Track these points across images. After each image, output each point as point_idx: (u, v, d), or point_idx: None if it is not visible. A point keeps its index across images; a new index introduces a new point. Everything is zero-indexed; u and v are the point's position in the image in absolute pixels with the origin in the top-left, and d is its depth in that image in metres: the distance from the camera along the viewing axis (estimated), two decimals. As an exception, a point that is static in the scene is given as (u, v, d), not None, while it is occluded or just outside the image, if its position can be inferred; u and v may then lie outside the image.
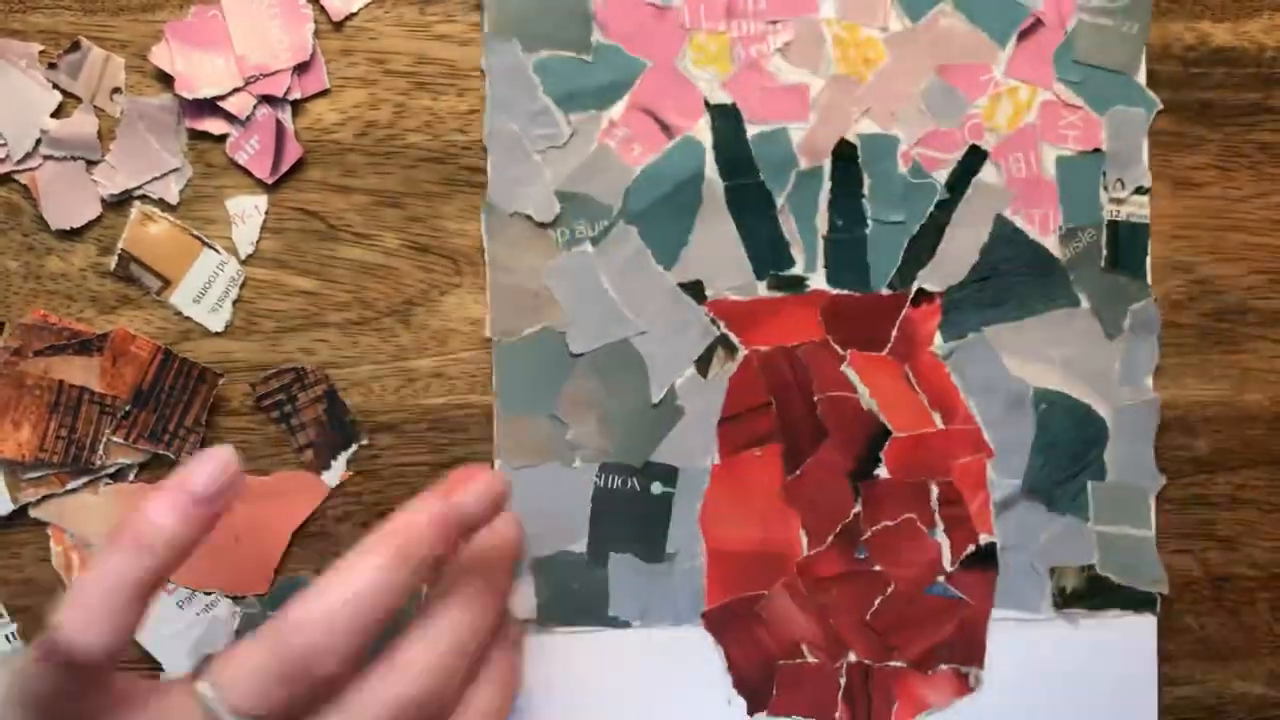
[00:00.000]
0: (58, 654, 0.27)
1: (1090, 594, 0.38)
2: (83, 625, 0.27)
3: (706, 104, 0.37)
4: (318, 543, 0.38)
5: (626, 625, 0.38)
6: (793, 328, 0.38)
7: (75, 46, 0.37)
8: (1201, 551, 0.39)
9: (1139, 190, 0.38)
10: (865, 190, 0.38)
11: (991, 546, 0.38)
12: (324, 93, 0.37)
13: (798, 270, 0.38)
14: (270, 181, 0.37)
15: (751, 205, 0.38)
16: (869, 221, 0.38)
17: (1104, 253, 0.38)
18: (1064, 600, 0.38)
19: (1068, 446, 0.38)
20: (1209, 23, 0.39)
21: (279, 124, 0.37)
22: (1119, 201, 0.38)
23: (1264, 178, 0.39)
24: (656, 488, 0.38)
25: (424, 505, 0.31)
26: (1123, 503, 0.38)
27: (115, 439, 0.37)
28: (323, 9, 0.37)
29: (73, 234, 0.37)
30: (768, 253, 0.38)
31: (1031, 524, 0.38)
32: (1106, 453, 0.38)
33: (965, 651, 0.38)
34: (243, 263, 0.38)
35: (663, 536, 0.38)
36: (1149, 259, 0.38)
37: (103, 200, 0.37)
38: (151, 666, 0.38)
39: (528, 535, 0.37)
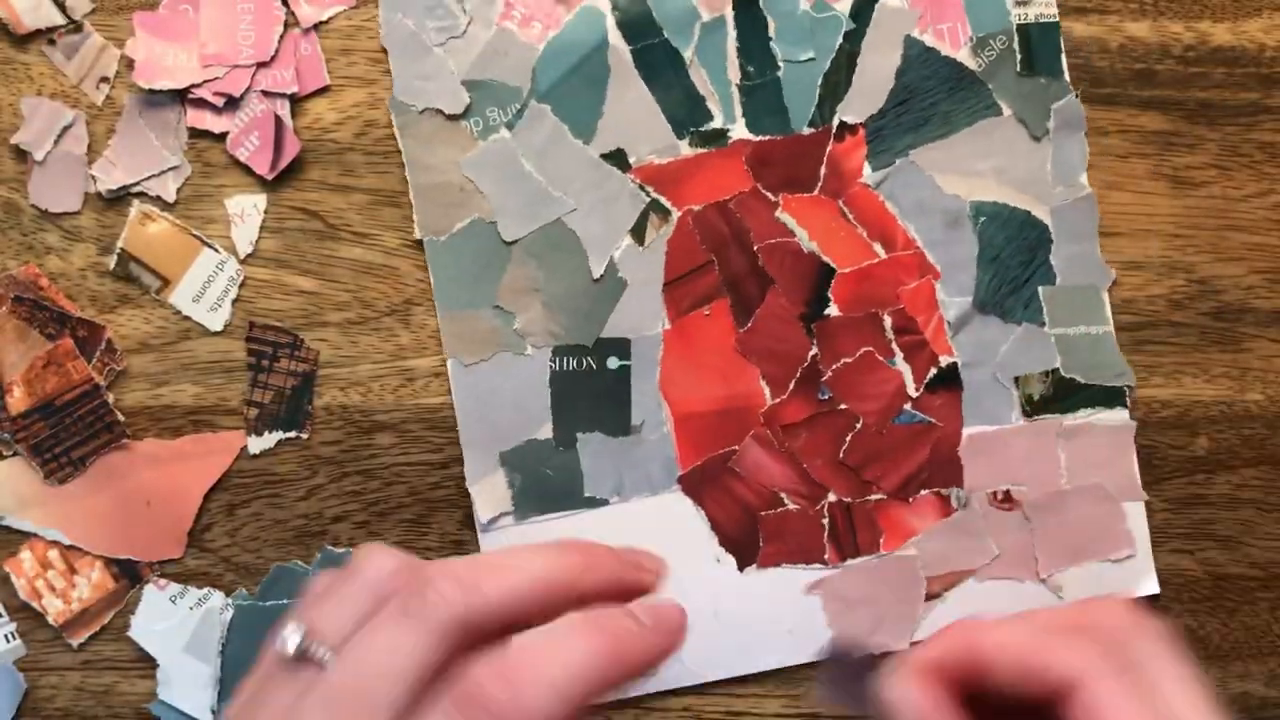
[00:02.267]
0: None
1: (1057, 397, 0.38)
2: None
3: (598, -30, 0.37)
4: (317, 541, 0.38)
5: (604, 503, 0.37)
6: (721, 182, 0.38)
7: (78, 28, 0.37)
8: (1201, 551, 0.39)
9: (1043, -10, 0.38)
10: (771, 32, 0.37)
11: (953, 366, 0.38)
12: (323, 92, 0.37)
13: (717, 123, 0.38)
14: (270, 177, 0.37)
15: (660, 65, 0.37)
16: (780, 63, 0.38)
17: (1018, 57, 0.38)
18: (1032, 407, 0.38)
19: (1013, 255, 0.38)
20: (1209, 22, 0.38)
21: (278, 120, 0.37)
22: (1025, 4, 0.38)
23: (1264, 177, 0.39)
24: (612, 362, 0.37)
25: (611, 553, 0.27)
26: (1076, 303, 0.38)
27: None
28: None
29: (72, 233, 0.37)
30: (684, 110, 0.37)
31: (989, 338, 0.38)
32: (1052, 255, 0.38)
33: (943, 474, 0.38)
34: (242, 262, 0.37)
35: (626, 410, 0.37)
36: (1064, 56, 0.38)
37: (100, 195, 0.37)
38: (147, 664, 0.37)
39: (495, 432, 0.37)
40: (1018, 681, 0.25)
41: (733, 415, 0.38)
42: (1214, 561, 0.39)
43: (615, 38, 0.37)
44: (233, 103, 0.37)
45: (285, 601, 0.37)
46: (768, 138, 0.38)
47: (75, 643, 0.37)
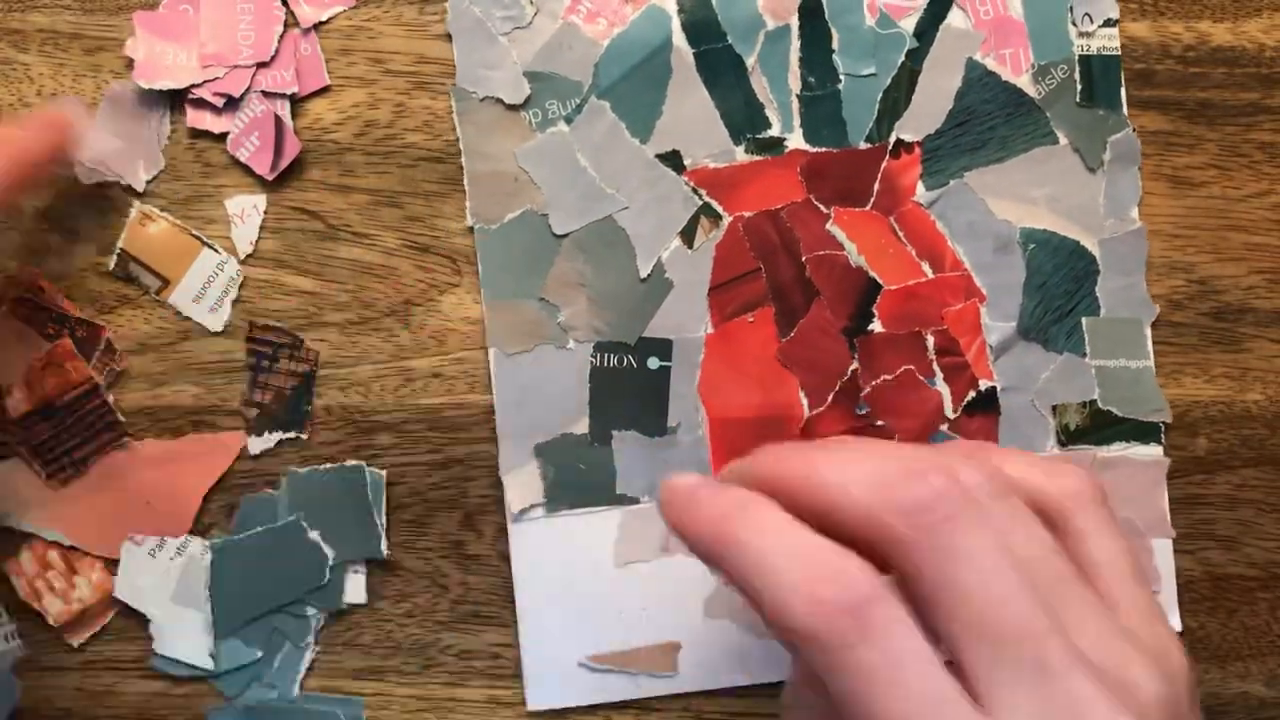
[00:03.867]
0: None
1: (1093, 429, 0.38)
2: None
3: (667, -29, 0.37)
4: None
5: (635, 501, 0.37)
6: (774, 190, 0.38)
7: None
8: (1201, 551, 0.39)
9: (1107, 22, 0.38)
10: (835, 45, 0.38)
11: (992, 390, 0.38)
12: (323, 92, 0.37)
13: (774, 132, 0.38)
14: (270, 178, 0.37)
15: (722, 70, 0.37)
16: (841, 76, 0.38)
17: (1078, 87, 0.38)
18: (1068, 437, 0.38)
19: (1059, 284, 0.38)
20: (1208, 22, 0.38)
21: (278, 120, 0.37)
22: (1088, 35, 0.38)
23: (1264, 177, 0.39)
24: (653, 362, 0.38)
25: None
26: (1118, 336, 0.38)
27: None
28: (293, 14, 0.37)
29: (71, 234, 0.37)
30: (743, 117, 0.38)
31: (1029, 365, 0.38)
32: (1098, 287, 0.38)
33: (974, 497, 0.38)
34: (242, 262, 0.37)
35: (663, 410, 0.38)
36: (1123, 90, 0.38)
37: (100, 195, 0.37)
38: (139, 621, 0.37)
39: (532, 423, 0.37)
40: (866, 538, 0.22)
41: (769, 423, 0.38)
42: (1214, 561, 0.39)
43: (679, 39, 0.37)
44: (233, 103, 0.37)
45: (259, 529, 0.37)
46: (824, 150, 0.38)
47: (75, 642, 0.37)
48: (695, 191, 0.38)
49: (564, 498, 0.37)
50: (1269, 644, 0.39)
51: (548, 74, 0.37)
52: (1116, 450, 0.38)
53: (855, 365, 0.38)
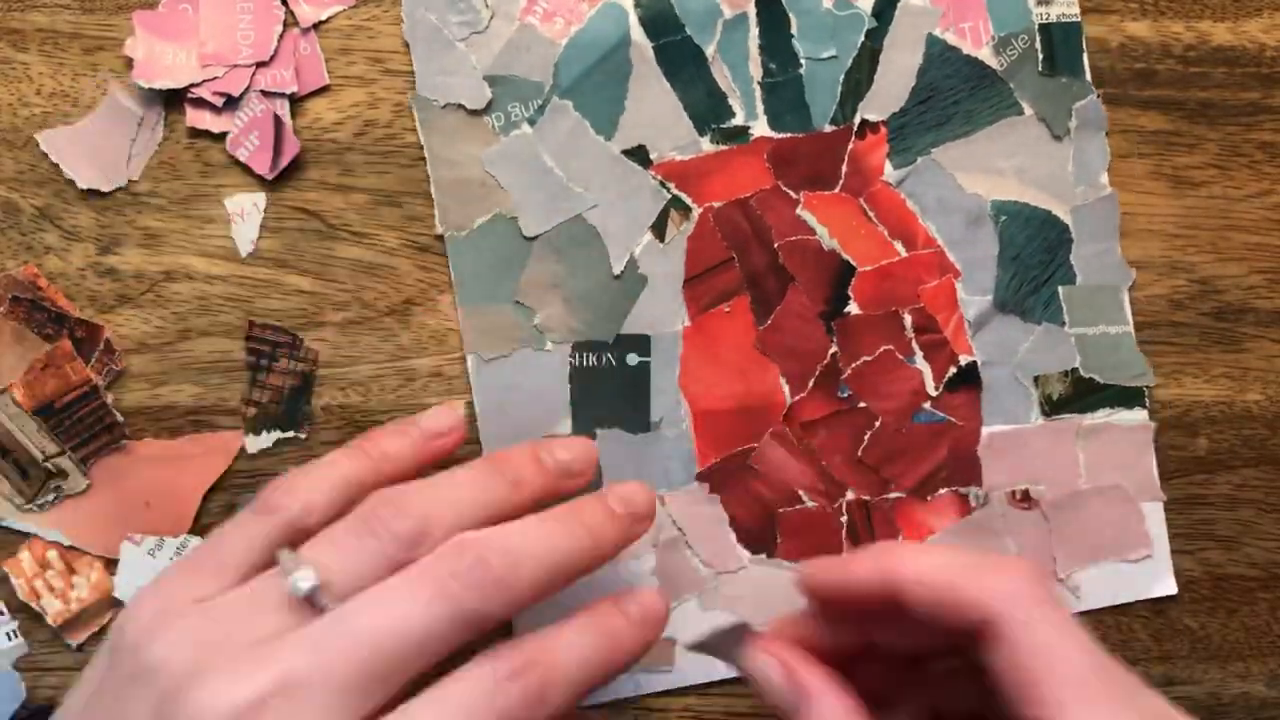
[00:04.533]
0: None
1: (1077, 397, 0.38)
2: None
3: (621, -34, 0.37)
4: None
5: (623, 499, 0.37)
6: (742, 179, 0.38)
7: None
8: (1201, 551, 0.39)
9: (1066, -11, 0.38)
10: (793, 29, 0.37)
11: (972, 365, 0.38)
12: (323, 91, 0.37)
13: (738, 120, 0.38)
14: (270, 177, 0.37)
15: (682, 62, 0.37)
16: (802, 61, 0.38)
17: (1040, 56, 0.38)
18: (1052, 407, 0.38)
19: (1033, 255, 0.38)
20: (1209, 22, 0.38)
21: (277, 120, 0.37)
22: (1047, 3, 0.38)
23: (1264, 177, 0.39)
24: (632, 359, 0.37)
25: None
26: (1096, 303, 0.38)
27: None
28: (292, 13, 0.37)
29: (71, 233, 0.37)
30: (706, 107, 0.37)
31: (1009, 337, 0.38)
32: (1072, 255, 0.38)
33: (962, 473, 0.38)
34: (242, 262, 0.37)
35: (645, 406, 0.37)
36: (1085, 56, 0.38)
37: (100, 194, 0.37)
38: None
39: (515, 428, 0.37)
40: (935, 613, 0.26)
41: (752, 412, 0.38)
42: (1214, 561, 0.39)
43: (638, 34, 0.37)
44: (232, 102, 0.37)
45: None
46: (789, 135, 0.38)
47: (74, 643, 0.37)
48: (663, 185, 0.37)
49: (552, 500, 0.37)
50: (1269, 644, 0.39)
51: (508, 77, 0.37)
52: (1101, 417, 0.38)
53: (834, 349, 0.38)
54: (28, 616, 0.37)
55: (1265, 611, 0.39)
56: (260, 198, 0.37)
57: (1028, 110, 0.38)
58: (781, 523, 0.38)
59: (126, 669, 0.26)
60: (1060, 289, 0.38)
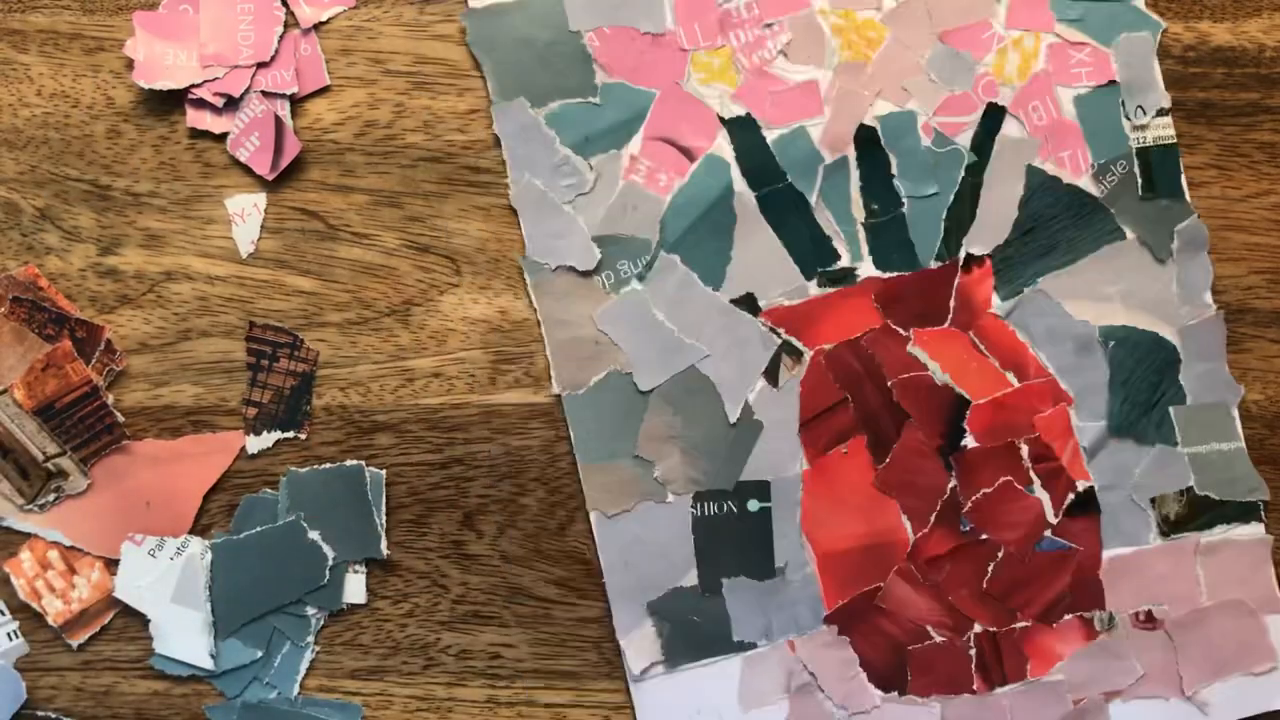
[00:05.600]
0: None
1: (1193, 515, 0.38)
2: None
3: (721, 120, 0.37)
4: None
5: (753, 646, 0.38)
6: (851, 320, 0.38)
7: None
8: None
9: (1160, 112, 0.38)
10: (894, 170, 0.38)
11: (1090, 491, 0.38)
12: (323, 92, 0.37)
13: (844, 263, 0.38)
14: (270, 178, 0.37)
15: (786, 209, 0.38)
16: (904, 199, 0.38)
17: (1139, 181, 0.38)
18: (1169, 527, 0.38)
19: (1143, 378, 0.38)
20: (1209, 22, 0.39)
21: (278, 120, 0.37)
22: (1142, 128, 0.38)
23: (1264, 177, 0.39)
24: (753, 505, 0.38)
25: None
26: (1207, 421, 0.38)
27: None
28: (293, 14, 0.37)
29: (72, 233, 0.37)
30: (811, 252, 0.38)
31: (1124, 460, 0.38)
32: (1182, 375, 0.38)
33: (1085, 597, 0.38)
34: (243, 262, 0.37)
35: (769, 552, 0.38)
36: (1184, 177, 0.38)
37: (99, 196, 0.37)
38: (139, 621, 0.37)
39: (641, 581, 0.37)
40: None
41: (875, 551, 0.38)
42: None
43: (740, 185, 0.37)
44: (233, 103, 0.37)
45: (259, 529, 0.37)
46: (896, 274, 0.38)
47: (75, 643, 0.37)
48: (773, 331, 0.38)
49: (683, 651, 0.38)
50: None
51: (615, 235, 0.37)
52: (1219, 534, 0.38)
53: (953, 483, 0.38)
54: (28, 616, 0.37)
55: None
56: (261, 198, 0.37)
57: (1130, 235, 0.38)
58: (912, 659, 0.38)
59: None
60: (1171, 409, 0.38)
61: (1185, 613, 0.38)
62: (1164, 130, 0.38)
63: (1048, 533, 0.38)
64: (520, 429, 0.38)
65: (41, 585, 0.37)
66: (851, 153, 0.38)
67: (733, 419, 0.38)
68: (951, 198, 0.38)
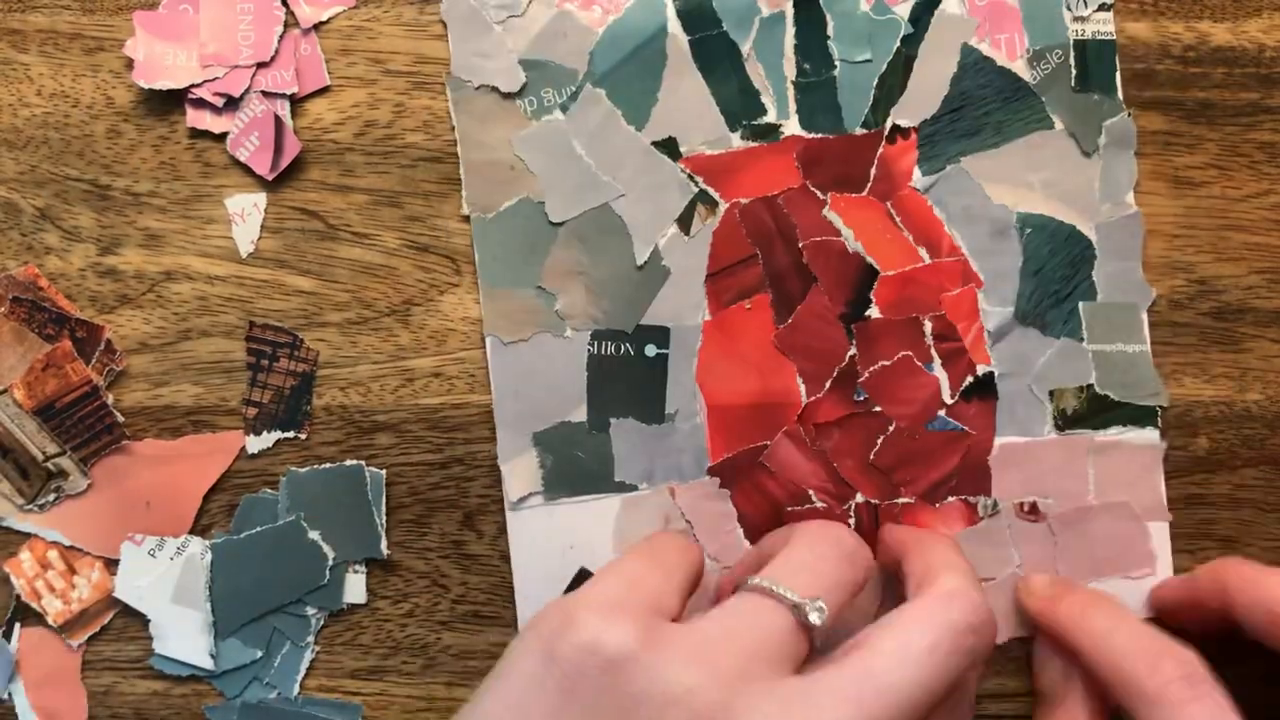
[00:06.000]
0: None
1: (1090, 413, 0.38)
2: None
3: (662, -42, 0.37)
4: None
5: (633, 488, 0.38)
6: (771, 177, 0.38)
7: None
8: (1202, 551, 0.39)
9: (1102, 7, 0.38)
10: (830, 31, 0.38)
11: (989, 376, 0.38)
12: (323, 92, 0.37)
13: (770, 118, 0.38)
14: (270, 178, 0.37)
15: (717, 57, 0.37)
16: (836, 63, 0.38)
17: (1073, 72, 0.38)
18: (1065, 422, 0.38)
19: (1056, 269, 0.38)
20: (1208, 23, 0.38)
21: (278, 120, 0.37)
22: (1083, 19, 0.38)
23: (1264, 177, 0.39)
24: (650, 350, 0.38)
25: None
26: (1115, 320, 0.38)
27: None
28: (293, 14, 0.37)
29: (72, 233, 0.37)
30: (738, 103, 0.38)
31: (1027, 349, 0.38)
32: (1095, 271, 0.38)
33: (972, 482, 0.38)
34: (243, 262, 0.37)
35: (661, 397, 0.38)
36: (1118, 74, 0.38)
37: (99, 196, 0.37)
38: (139, 621, 0.38)
39: (531, 412, 0.37)
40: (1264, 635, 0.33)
41: (767, 410, 0.38)
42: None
43: (674, 26, 0.37)
44: (233, 103, 0.37)
45: (259, 529, 0.37)
46: (820, 136, 0.38)
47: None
48: (691, 178, 0.38)
49: (562, 485, 0.37)
50: None
51: (543, 61, 0.37)
52: (1113, 434, 0.38)
53: (853, 351, 0.38)
54: (27, 618, 0.37)
55: (1265, 610, 0.39)
56: (261, 198, 0.37)
57: (1058, 125, 0.38)
58: (789, 521, 0.38)
59: (624, 688, 0.27)
60: (1081, 305, 0.38)
61: (1070, 509, 0.38)
62: (1104, 25, 0.38)
63: (942, 412, 0.38)
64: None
65: (41, 585, 0.37)
66: (789, 9, 0.37)
67: (640, 261, 0.37)
68: (884, 67, 0.38)
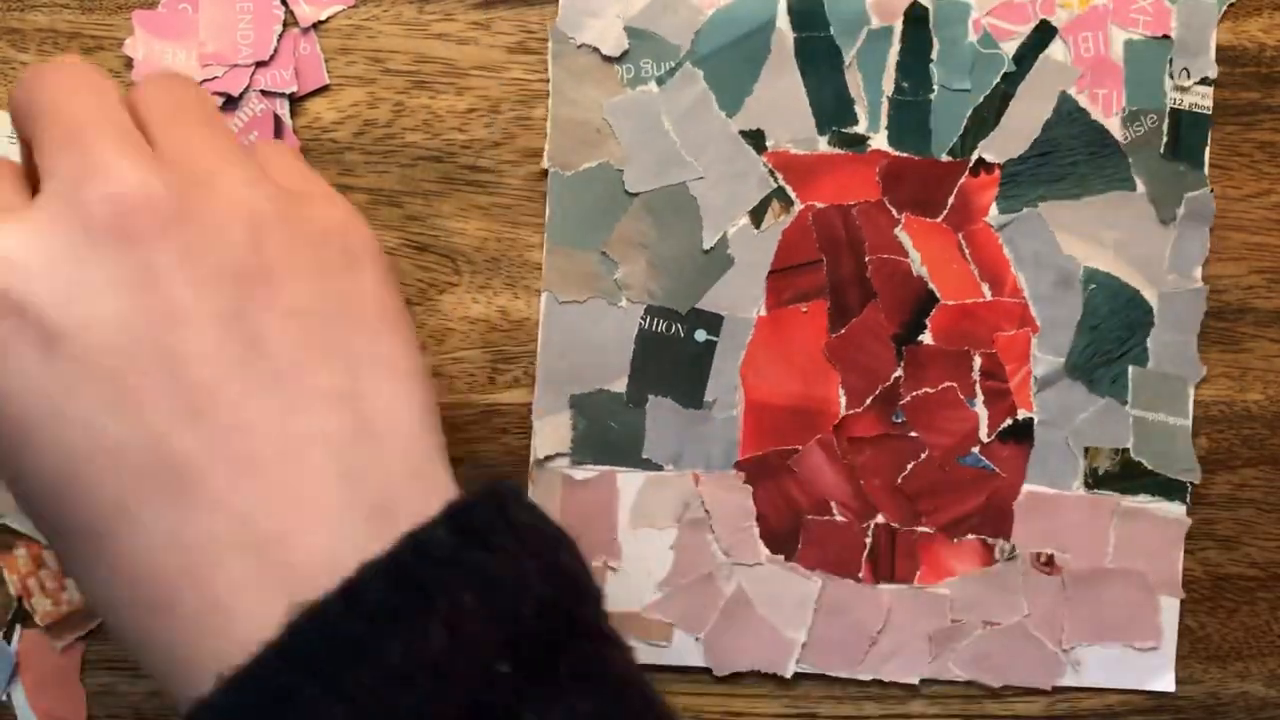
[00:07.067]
0: None
1: (1122, 477, 0.38)
2: None
3: (783, -47, 0.37)
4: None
5: (659, 468, 0.37)
6: (850, 186, 0.38)
7: None
8: (1201, 551, 0.39)
9: (1204, 81, 0.38)
10: (934, 55, 0.38)
11: (1029, 422, 0.38)
12: (322, 91, 0.37)
13: (860, 129, 0.38)
14: None
15: (820, 59, 0.37)
16: (935, 87, 0.38)
17: (1164, 139, 0.38)
18: (1095, 481, 0.38)
19: (1113, 329, 0.38)
20: None
21: (277, 119, 0.37)
22: (1183, 90, 0.38)
23: (1264, 177, 0.39)
24: (700, 335, 0.38)
25: None
26: (1162, 390, 0.38)
27: None
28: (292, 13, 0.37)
29: None
30: (832, 108, 0.38)
31: (1070, 403, 0.38)
32: (1150, 339, 0.38)
33: (993, 523, 0.38)
34: None
35: (702, 384, 0.38)
36: (1208, 151, 0.38)
37: None
38: None
39: (572, 373, 0.37)
40: None
41: (804, 415, 0.38)
42: (1214, 561, 0.39)
43: (783, 22, 0.37)
44: (232, 102, 0.37)
45: None
46: (905, 155, 0.38)
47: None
48: (772, 173, 0.38)
49: (590, 451, 0.37)
50: (1269, 644, 0.39)
51: (648, 32, 0.37)
52: (1140, 501, 0.38)
53: (899, 373, 0.38)
54: (29, 618, 0.37)
55: (1265, 611, 0.39)
56: None
57: (1140, 188, 0.38)
58: (807, 529, 0.38)
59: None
60: (1130, 368, 0.38)
61: (1086, 568, 0.38)
62: (1203, 100, 0.38)
63: (975, 449, 0.38)
64: (520, 429, 0.38)
65: (33, 584, 0.37)
66: (899, 26, 0.38)
67: (707, 245, 0.37)
68: (981, 99, 0.38)
